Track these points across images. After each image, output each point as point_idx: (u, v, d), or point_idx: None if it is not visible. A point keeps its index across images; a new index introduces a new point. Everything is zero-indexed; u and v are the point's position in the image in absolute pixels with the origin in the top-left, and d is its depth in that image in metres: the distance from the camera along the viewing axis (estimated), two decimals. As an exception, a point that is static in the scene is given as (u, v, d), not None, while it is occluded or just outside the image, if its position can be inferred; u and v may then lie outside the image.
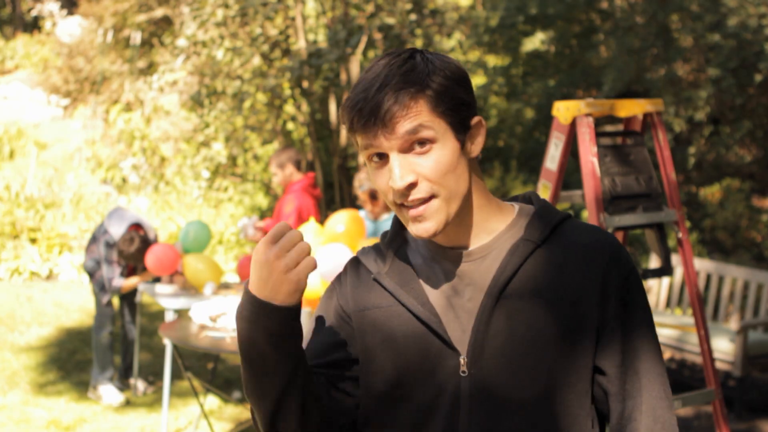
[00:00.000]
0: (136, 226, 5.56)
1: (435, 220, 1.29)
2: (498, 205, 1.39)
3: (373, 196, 4.87)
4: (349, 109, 1.29)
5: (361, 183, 4.93)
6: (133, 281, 5.56)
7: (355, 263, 1.47)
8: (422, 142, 1.27)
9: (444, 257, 1.37)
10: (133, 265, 5.59)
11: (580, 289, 1.31)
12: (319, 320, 1.45)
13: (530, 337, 1.29)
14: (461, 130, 1.31)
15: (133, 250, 5.38)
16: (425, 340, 1.34)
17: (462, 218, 1.34)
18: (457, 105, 1.30)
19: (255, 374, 1.30)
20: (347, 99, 1.31)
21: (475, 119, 1.34)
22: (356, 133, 1.30)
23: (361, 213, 5.19)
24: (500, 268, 1.32)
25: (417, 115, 1.26)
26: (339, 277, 1.48)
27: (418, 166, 1.27)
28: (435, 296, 1.36)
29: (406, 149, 1.28)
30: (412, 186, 1.28)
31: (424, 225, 1.30)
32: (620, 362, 1.32)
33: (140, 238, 5.42)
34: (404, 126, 1.26)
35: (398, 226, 1.46)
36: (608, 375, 1.33)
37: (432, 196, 1.29)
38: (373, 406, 1.39)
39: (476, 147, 1.35)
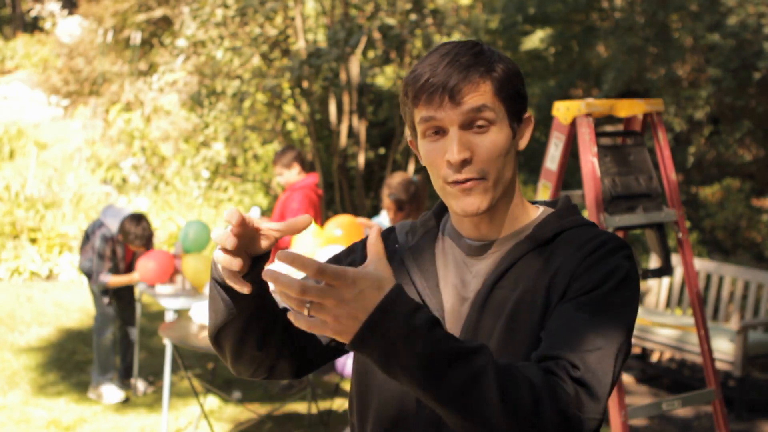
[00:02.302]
0: None
1: (481, 198, 1.33)
2: (525, 205, 1.43)
3: (399, 207, 4.81)
4: (414, 80, 1.32)
5: (392, 191, 4.93)
6: (119, 279, 5.46)
7: (388, 231, 1.52)
8: (481, 124, 1.31)
9: (463, 247, 1.41)
10: (137, 247, 5.47)
11: (553, 278, 1.31)
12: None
13: (513, 327, 1.31)
14: (516, 119, 1.36)
15: (140, 231, 5.35)
16: None
17: (497, 209, 1.37)
18: (515, 95, 1.35)
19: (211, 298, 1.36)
20: (411, 73, 1.33)
21: (527, 114, 1.39)
22: (419, 105, 1.32)
23: (378, 219, 5.19)
24: (497, 265, 1.36)
25: (483, 95, 1.30)
26: (357, 245, 1.52)
27: (475, 144, 1.31)
28: (445, 284, 1.40)
29: (467, 126, 1.31)
30: (466, 162, 1.31)
31: (470, 199, 1.33)
32: (550, 336, 1.27)
33: (147, 221, 5.42)
34: (470, 102, 1.30)
35: (438, 208, 1.50)
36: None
37: (482, 177, 1.32)
38: (366, 378, 1.43)
39: (523, 141, 1.40)
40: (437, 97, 1.29)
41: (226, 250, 1.24)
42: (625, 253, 1.33)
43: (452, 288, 1.39)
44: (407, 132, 1.45)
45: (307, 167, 5.77)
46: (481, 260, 1.39)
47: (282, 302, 1.43)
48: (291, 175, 5.59)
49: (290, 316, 1.11)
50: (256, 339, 1.37)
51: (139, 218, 5.40)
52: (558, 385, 1.17)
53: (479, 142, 1.31)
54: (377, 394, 1.40)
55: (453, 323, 1.37)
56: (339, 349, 1.49)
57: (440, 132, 1.32)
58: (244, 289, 1.26)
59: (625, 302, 1.30)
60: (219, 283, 1.32)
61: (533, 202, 1.48)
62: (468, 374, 1.11)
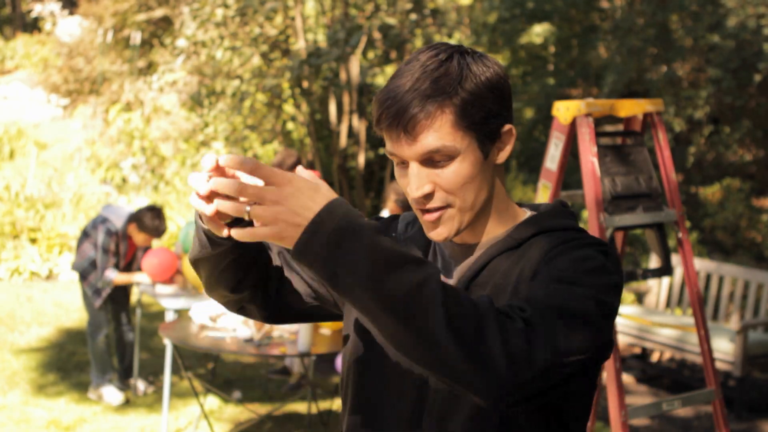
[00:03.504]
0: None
1: (448, 227, 1.31)
2: (514, 211, 1.39)
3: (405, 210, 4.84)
4: (379, 102, 1.28)
5: (398, 196, 4.94)
6: (125, 278, 5.44)
7: (392, 218, 1.52)
8: (439, 159, 1.27)
9: (447, 247, 1.41)
10: (146, 235, 5.45)
11: (523, 268, 1.29)
12: None
13: None
14: (487, 141, 1.30)
15: (158, 222, 5.36)
16: None
17: (477, 222, 1.35)
18: (484, 117, 1.28)
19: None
20: (379, 92, 1.30)
21: (506, 127, 1.32)
22: (382, 133, 1.30)
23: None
24: (471, 265, 1.35)
25: (440, 128, 1.24)
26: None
27: (437, 177, 1.28)
28: None
29: (425, 162, 1.27)
30: (429, 195, 1.29)
31: (437, 231, 1.31)
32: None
33: (164, 214, 5.44)
34: (426, 139, 1.25)
35: None
36: None
37: (448, 205, 1.29)
38: (349, 361, 1.43)
39: (503, 154, 1.34)
40: (394, 132, 1.26)
41: (200, 195, 1.19)
42: (601, 248, 1.27)
43: None
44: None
45: (306, 168, 5.79)
46: (462, 259, 1.38)
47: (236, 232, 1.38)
48: None
49: (233, 234, 1.11)
50: (230, 282, 1.36)
51: (158, 210, 5.44)
52: (505, 317, 1.10)
53: (440, 174, 1.27)
54: (362, 372, 1.40)
55: None
56: (319, 308, 1.49)
57: (404, 162, 1.30)
58: (221, 232, 1.22)
59: (595, 285, 1.20)
60: (203, 230, 1.30)
61: (530, 206, 1.44)
62: (416, 280, 1.06)
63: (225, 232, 1.22)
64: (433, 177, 1.28)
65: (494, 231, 1.37)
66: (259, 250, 1.39)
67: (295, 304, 1.47)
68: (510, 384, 1.07)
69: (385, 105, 1.26)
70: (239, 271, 1.36)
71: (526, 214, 1.41)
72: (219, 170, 1.18)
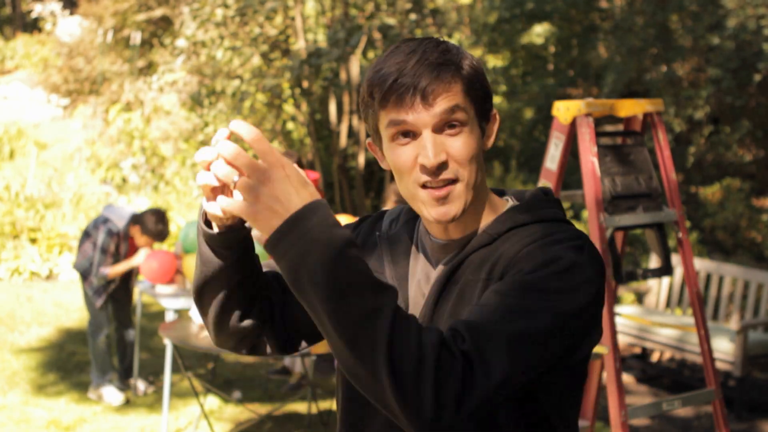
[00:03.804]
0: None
1: (456, 204, 1.28)
2: (492, 201, 1.38)
3: None
4: (380, 81, 1.25)
5: (399, 198, 4.96)
6: (118, 268, 5.42)
7: (378, 216, 1.51)
8: (453, 124, 1.26)
9: (428, 243, 1.39)
10: (149, 241, 5.46)
11: (493, 265, 1.27)
12: None
13: (456, 315, 1.28)
14: (483, 119, 1.32)
15: (161, 226, 5.37)
16: None
17: (464, 213, 1.33)
18: (483, 93, 1.31)
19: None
20: (375, 72, 1.27)
21: (493, 111, 1.35)
22: (386, 107, 1.26)
23: None
24: (450, 259, 1.34)
25: (455, 95, 1.26)
26: (356, 225, 1.51)
27: (449, 146, 1.26)
28: (413, 277, 1.39)
29: (439, 128, 1.26)
30: (442, 166, 1.26)
31: (445, 207, 1.28)
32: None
33: (167, 218, 5.45)
34: (443, 103, 1.24)
35: None
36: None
37: (457, 179, 1.28)
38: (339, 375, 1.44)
39: (490, 140, 1.35)
40: (408, 98, 1.23)
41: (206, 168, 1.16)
42: (575, 243, 1.24)
43: (416, 283, 1.38)
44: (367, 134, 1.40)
45: (305, 168, 5.79)
46: (444, 257, 1.36)
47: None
48: None
49: (208, 206, 1.12)
50: (239, 311, 1.35)
51: (161, 213, 5.45)
52: (447, 353, 1.09)
53: (452, 144, 1.26)
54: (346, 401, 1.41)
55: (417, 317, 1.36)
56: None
57: (410, 135, 1.27)
58: (226, 214, 1.20)
59: (562, 289, 1.18)
60: (205, 237, 1.27)
61: (514, 193, 1.42)
62: (371, 306, 1.06)
63: (214, 205, 1.18)
64: (445, 146, 1.26)
65: (475, 224, 1.35)
66: (258, 271, 1.36)
67: (304, 327, 1.43)
68: (435, 427, 1.08)
69: (393, 77, 1.24)
70: (245, 297, 1.34)
71: (507, 204, 1.39)
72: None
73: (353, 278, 1.07)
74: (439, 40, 1.30)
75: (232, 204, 1.10)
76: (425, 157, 1.25)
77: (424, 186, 1.28)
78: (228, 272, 1.30)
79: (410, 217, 1.45)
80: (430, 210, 1.29)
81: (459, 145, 1.26)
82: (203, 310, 1.37)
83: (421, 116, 1.24)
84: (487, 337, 1.12)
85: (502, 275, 1.24)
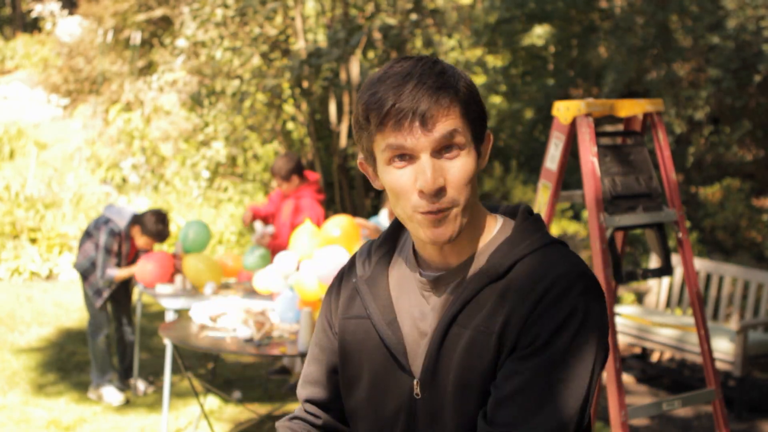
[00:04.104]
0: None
1: (451, 226, 1.28)
2: (482, 219, 1.37)
3: None
4: (377, 105, 1.25)
5: None
6: (126, 272, 5.44)
7: (350, 262, 1.49)
8: (451, 148, 1.26)
9: (418, 277, 1.37)
10: (149, 240, 5.46)
11: (506, 322, 1.27)
12: (315, 346, 1.52)
13: (468, 365, 1.29)
14: (478, 141, 1.31)
15: (161, 227, 5.37)
16: (388, 359, 1.37)
17: (459, 235, 1.33)
18: (479, 115, 1.30)
19: None
20: (371, 96, 1.26)
21: (487, 132, 1.34)
22: (384, 132, 1.26)
23: (377, 219, 5.22)
24: (451, 302, 1.32)
25: (454, 119, 1.25)
26: (334, 283, 1.51)
27: (447, 170, 1.26)
28: (403, 315, 1.37)
29: (437, 152, 1.25)
30: (440, 192, 1.25)
31: (441, 229, 1.27)
32: (498, 396, 1.26)
33: (168, 219, 5.44)
34: (442, 128, 1.24)
35: (392, 229, 1.46)
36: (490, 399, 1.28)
37: (453, 205, 1.27)
38: (347, 413, 1.46)
39: (484, 160, 1.34)
40: (406, 123, 1.23)
41: None
42: (579, 287, 1.26)
43: (410, 320, 1.36)
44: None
45: (305, 171, 5.78)
46: (438, 292, 1.35)
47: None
48: (290, 187, 5.64)
49: None
50: None
51: (162, 214, 5.44)
52: None
53: (450, 168, 1.26)
54: (361, 413, 1.42)
55: (414, 360, 1.35)
56: None
57: (406, 158, 1.26)
58: None
59: (584, 352, 1.24)
60: None
61: (492, 208, 1.42)
62: None
63: None
64: (443, 171, 1.26)
65: (471, 248, 1.35)
66: None
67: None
68: None
69: (391, 102, 1.23)
70: None
71: (496, 222, 1.38)
72: None
73: None
74: (434, 60, 1.28)
75: None
76: (424, 182, 1.24)
77: (424, 212, 1.27)
78: None
79: (382, 255, 1.44)
80: (426, 232, 1.28)
81: (457, 168, 1.26)
82: None
83: (420, 141, 1.24)
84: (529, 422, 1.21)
85: (515, 339, 1.25)
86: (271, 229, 5.66)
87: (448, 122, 1.24)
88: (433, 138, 1.24)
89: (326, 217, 9.11)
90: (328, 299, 1.50)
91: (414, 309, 1.37)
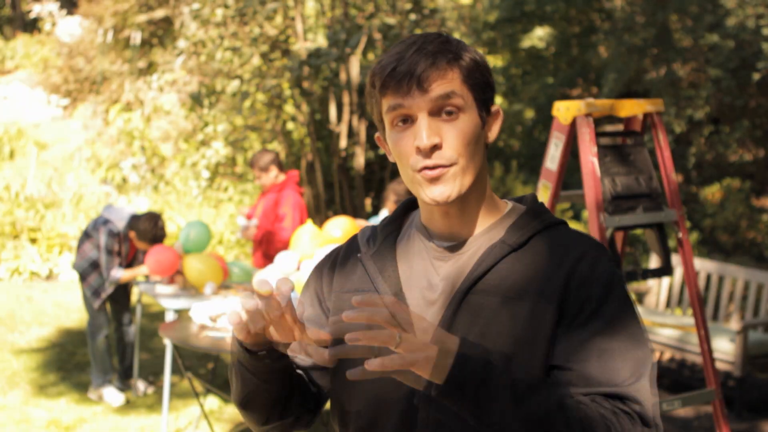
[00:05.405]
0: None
1: (450, 185, 1.31)
2: (494, 199, 1.42)
3: None
4: (380, 70, 1.32)
5: (398, 197, 4.98)
6: (131, 273, 5.44)
7: (352, 239, 1.52)
8: (450, 110, 1.30)
9: (428, 249, 1.40)
10: (145, 244, 5.48)
11: (541, 289, 1.30)
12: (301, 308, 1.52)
13: (489, 334, 1.30)
14: (484, 108, 1.35)
15: (155, 230, 5.37)
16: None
17: (467, 202, 1.36)
18: (484, 83, 1.34)
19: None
20: (378, 63, 1.34)
21: (495, 107, 1.38)
22: (386, 94, 1.32)
23: (377, 219, 5.22)
24: (472, 269, 1.34)
25: (451, 81, 1.30)
26: (325, 261, 1.53)
27: (444, 131, 1.30)
28: (409, 287, 1.39)
29: (435, 113, 1.30)
30: (435, 148, 1.30)
31: (440, 187, 1.31)
32: (570, 367, 1.29)
33: (162, 220, 5.45)
34: (438, 89, 1.29)
35: (399, 212, 1.50)
36: (557, 375, 1.30)
37: (451, 164, 1.31)
38: (338, 387, 1.45)
39: (492, 134, 1.39)
40: (405, 84, 1.29)
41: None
42: (606, 256, 1.35)
43: (417, 291, 1.38)
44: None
45: (304, 167, 5.89)
46: (449, 262, 1.37)
47: (301, 360, 1.48)
48: (269, 178, 5.82)
49: (352, 375, 1.14)
50: (280, 410, 1.44)
51: (156, 217, 5.42)
52: (626, 421, 1.24)
53: (448, 129, 1.30)
54: (355, 398, 1.41)
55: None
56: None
57: (408, 120, 1.31)
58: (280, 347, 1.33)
59: (631, 311, 1.33)
60: (240, 362, 1.36)
61: (509, 199, 1.48)
62: (554, 400, 1.19)
63: (321, 356, 1.26)
64: (440, 130, 1.30)
65: (483, 222, 1.39)
66: (298, 380, 1.45)
67: (323, 393, 1.51)
68: None
69: (392, 66, 1.30)
70: (285, 387, 1.41)
71: (508, 205, 1.43)
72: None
73: (527, 383, 1.20)
74: (443, 35, 1.34)
75: (394, 362, 1.14)
76: (419, 138, 1.29)
77: (421, 170, 1.31)
78: (271, 374, 1.38)
79: (389, 233, 1.47)
80: (426, 191, 1.32)
81: (455, 129, 1.30)
82: (248, 417, 1.46)
83: (416, 101, 1.29)
84: (641, 397, 1.27)
85: (560, 305, 1.30)
86: (254, 222, 5.80)
87: (444, 84, 1.29)
88: (429, 98, 1.29)
89: (326, 217, 9.13)
90: (318, 274, 1.51)
91: (422, 279, 1.39)
